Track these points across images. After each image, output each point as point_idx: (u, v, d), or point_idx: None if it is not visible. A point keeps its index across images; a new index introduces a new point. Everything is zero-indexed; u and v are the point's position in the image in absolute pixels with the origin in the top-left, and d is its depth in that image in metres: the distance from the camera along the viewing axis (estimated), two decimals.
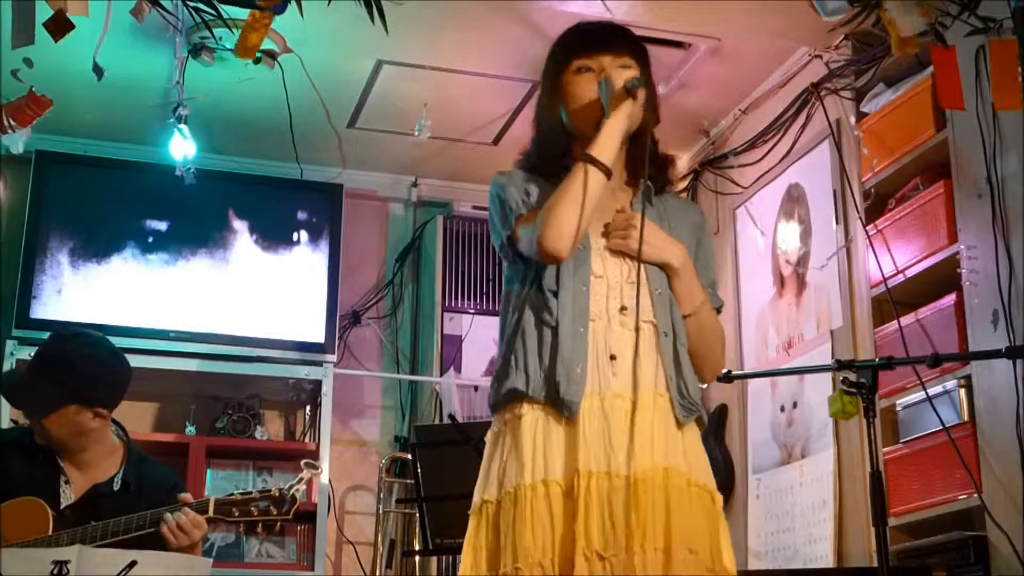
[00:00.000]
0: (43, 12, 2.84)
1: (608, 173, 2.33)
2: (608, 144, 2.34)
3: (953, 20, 3.21)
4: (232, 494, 3.12)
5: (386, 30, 2.94)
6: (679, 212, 2.53)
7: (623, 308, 2.34)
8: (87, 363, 3.20)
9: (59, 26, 2.72)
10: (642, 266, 2.36)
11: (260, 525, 3.14)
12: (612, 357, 2.30)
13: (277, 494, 3.10)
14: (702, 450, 2.37)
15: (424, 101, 4.67)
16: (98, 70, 2.98)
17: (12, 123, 3.39)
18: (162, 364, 4.86)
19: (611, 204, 2.43)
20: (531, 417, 2.27)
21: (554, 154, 2.45)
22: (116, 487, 3.20)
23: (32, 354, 3.35)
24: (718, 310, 2.50)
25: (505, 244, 2.42)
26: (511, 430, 2.29)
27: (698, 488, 2.30)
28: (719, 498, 2.35)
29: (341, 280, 5.21)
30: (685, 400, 2.34)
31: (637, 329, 2.32)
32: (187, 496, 3.09)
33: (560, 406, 2.25)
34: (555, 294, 2.32)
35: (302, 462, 3.26)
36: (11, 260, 4.89)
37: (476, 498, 2.32)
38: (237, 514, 3.09)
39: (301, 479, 3.15)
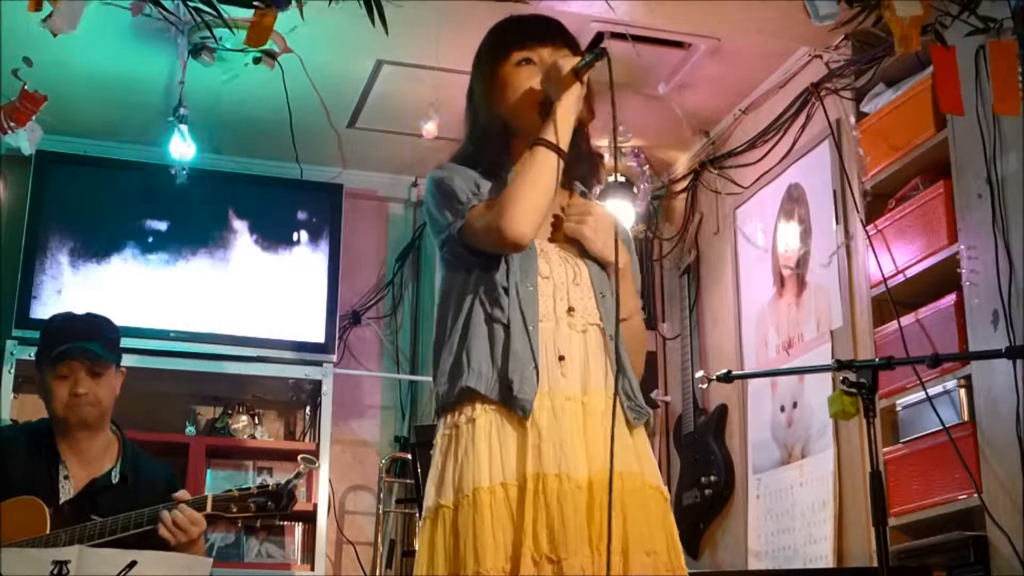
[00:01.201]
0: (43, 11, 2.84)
1: (564, 156, 2.29)
2: (562, 126, 2.30)
3: (953, 20, 3.21)
4: (230, 490, 3.12)
5: (386, 31, 2.95)
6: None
7: (570, 309, 2.32)
8: (110, 322, 3.38)
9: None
10: (586, 269, 2.37)
11: (259, 523, 3.15)
12: (561, 358, 2.29)
13: (275, 489, 3.10)
14: (651, 451, 2.38)
15: (429, 101, 4.66)
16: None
17: (11, 123, 3.39)
18: (162, 364, 4.86)
19: (550, 207, 2.39)
20: (485, 419, 2.24)
21: (492, 147, 2.41)
22: (115, 480, 3.21)
23: (47, 328, 3.37)
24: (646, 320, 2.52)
25: (455, 236, 2.34)
26: (465, 433, 2.25)
27: (653, 489, 2.30)
28: (668, 496, 2.36)
29: (341, 280, 5.21)
30: (633, 402, 2.34)
31: (584, 331, 2.32)
32: (183, 493, 3.10)
33: (513, 405, 2.23)
34: (504, 293, 2.29)
35: (299, 457, 3.26)
36: (11, 260, 4.89)
37: (430, 502, 2.26)
38: (235, 510, 3.09)
39: (299, 474, 3.15)
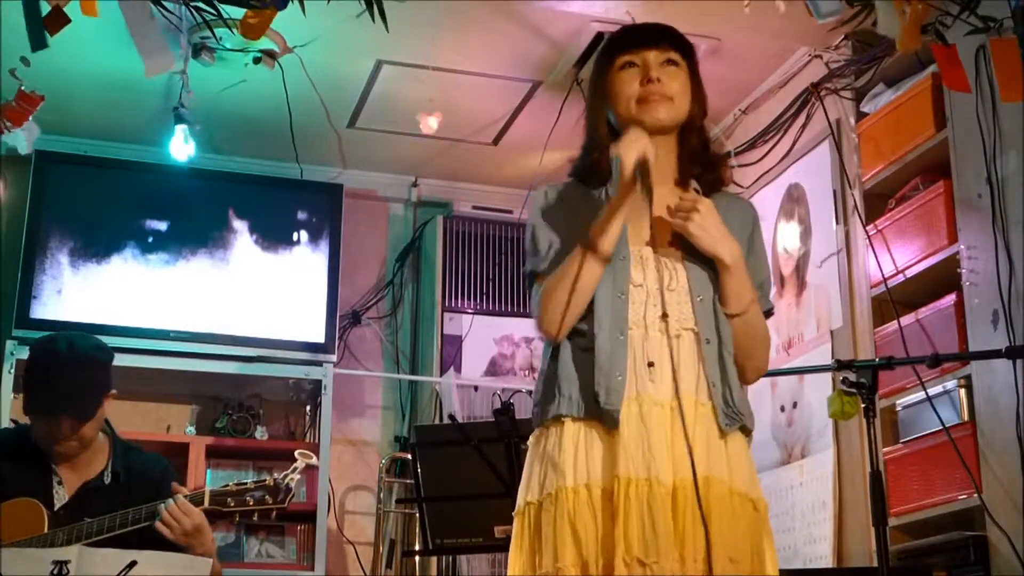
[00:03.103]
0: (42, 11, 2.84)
1: (607, 259, 2.31)
2: (609, 227, 2.31)
3: (953, 20, 3.21)
4: (227, 485, 3.11)
5: (386, 28, 2.95)
6: (730, 211, 2.44)
7: (664, 315, 2.30)
8: (97, 352, 3.21)
9: (55, 21, 2.73)
10: (685, 272, 2.35)
11: (257, 516, 3.13)
12: (650, 364, 2.28)
13: (272, 484, 3.10)
14: (746, 458, 2.34)
15: (429, 98, 4.66)
16: (38, 39, 2.92)
17: (8, 124, 3.39)
18: (162, 364, 4.86)
19: (658, 207, 2.38)
20: (574, 426, 2.28)
21: (598, 162, 2.42)
22: (107, 480, 3.19)
23: (34, 365, 3.21)
24: (768, 313, 2.45)
25: (528, 275, 2.45)
26: (554, 434, 2.29)
27: (740, 496, 2.27)
28: (764, 504, 2.33)
29: (341, 280, 5.21)
30: (730, 409, 2.31)
31: (678, 336, 2.31)
32: (180, 487, 3.09)
33: (601, 417, 2.25)
34: (591, 306, 2.31)
35: (296, 452, 3.24)
36: (11, 260, 4.89)
37: (519, 501, 2.33)
38: (232, 504, 3.08)
39: (296, 468, 3.14)
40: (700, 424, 2.27)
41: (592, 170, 2.43)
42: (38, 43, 2.72)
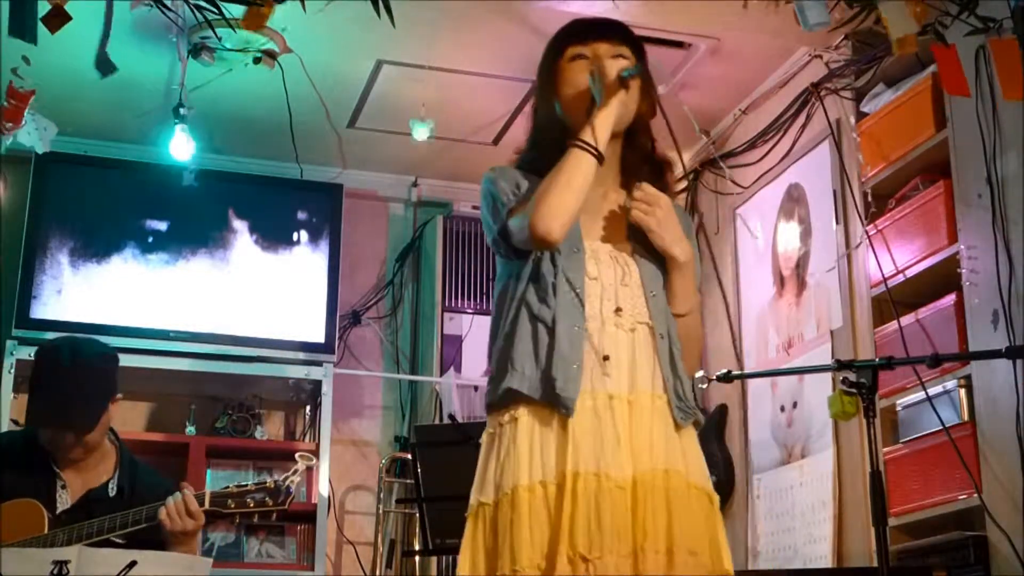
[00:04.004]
0: (42, 10, 2.84)
1: (600, 158, 2.29)
2: (600, 130, 2.30)
3: (953, 20, 3.21)
4: (228, 487, 3.11)
5: (392, 23, 2.93)
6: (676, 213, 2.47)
7: (618, 309, 2.32)
8: (101, 360, 3.21)
9: (56, 19, 2.72)
10: (637, 268, 2.35)
11: (257, 518, 3.14)
12: (605, 358, 2.28)
13: (272, 486, 3.10)
14: (699, 452, 2.36)
15: (422, 104, 4.66)
16: (105, 66, 2.94)
17: (8, 124, 3.39)
18: (162, 364, 4.86)
19: (604, 205, 2.42)
20: (527, 420, 2.25)
21: (549, 148, 2.39)
22: (112, 493, 3.19)
23: (38, 373, 3.19)
24: None
25: (498, 238, 2.39)
26: (508, 432, 2.27)
27: (697, 490, 2.29)
28: (716, 498, 2.34)
29: (341, 280, 5.21)
30: (683, 403, 2.33)
31: (633, 330, 2.31)
32: (188, 486, 3.10)
33: (556, 403, 2.23)
34: (552, 292, 2.30)
35: (297, 454, 3.25)
36: (11, 260, 4.89)
37: (472, 500, 2.30)
38: (233, 506, 3.08)
39: (296, 470, 3.14)
40: (657, 418, 2.28)
41: (543, 158, 2.39)
42: (25, 36, 2.69)
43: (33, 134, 3.59)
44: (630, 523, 2.18)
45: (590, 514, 2.16)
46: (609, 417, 2.24)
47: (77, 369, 3.15)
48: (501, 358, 2.33)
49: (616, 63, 2.35)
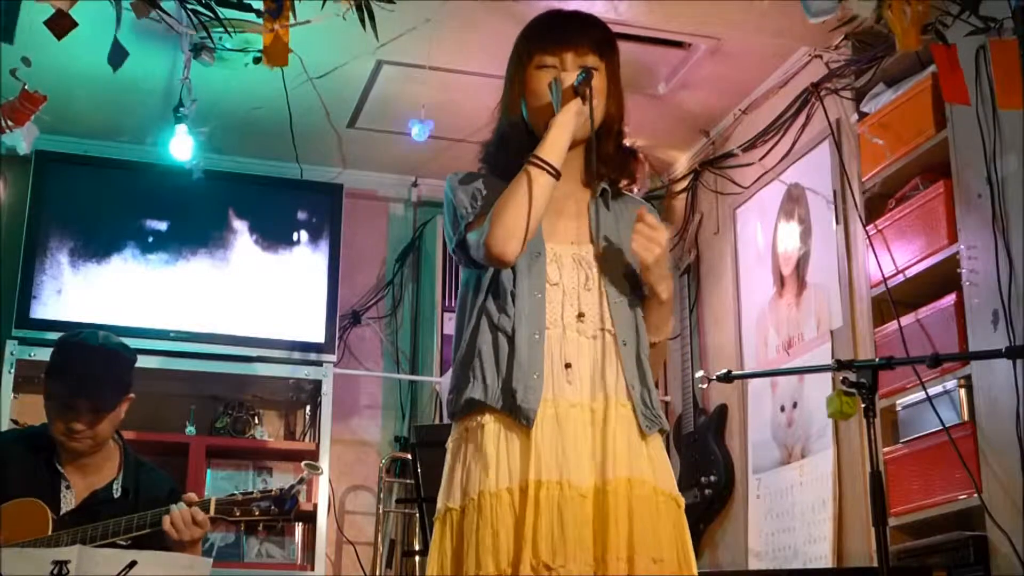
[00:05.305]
0: (44, 11, 2.84)
1: (556, 175, 2.28)
2: (555, 145, 2.29)
3: (954, 20, 3.22)
4: (233, 494, 3.12)
5: (376, 35, 2.94)
6: (630, 213, 2.43)
7: (581, 315, 2.30)
8: (125, 351, 3.27)
9: (61, 24, 2.73)
10: (599, 273, 2.34)
11: (260, 524, 3.14)
12: (567, 365, 2.27)
13: (278, 494, 3.10)
14: (666, 459, 2.35)
15: (423, 101, 4.66)
16: (117, 56, 2.93)
17: (9, 123, 3.39)
18: (162, 364, 4.86)
19: (568, 205, 2.40)
20: (493, 426, 2.25)
21: (512, 153, 2.38)
22: (116, 494, 3.20)
23: (64, 354, 3.22)
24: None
25: (456, 249, 2.38)
26: (473, 438, 2.27)
27: (665, 496, 2.28)
28: (683, 502, 2.34)
29: (341, 280, 5.21)
30: (649, 411, 2.32)
31: (595, 337, 2.31)
32: (191, 495, 3.09)
33: (517, 414, 2.23)
34: (512, 301, 2.29)
35: (303, 463, 3.26)
36: (11, 260, 4.89)
37: (440, 505, 2.30)
38: (238, 514, 3.09)
39: (302, 479, 3.16)
40: (621, 425, 2.26)
41: (506, 162, 2.39)
42: (1, 35, 2.69)
43: (16, 134, 3.59)
44: (591, 532, 2.18)
45: (553, 522, 2.15)
46: (571, 426, 2.23)
47: (104, 351, 3.23)
48: (463, 367, 2.31)
49: (569, 76, 2.34)
